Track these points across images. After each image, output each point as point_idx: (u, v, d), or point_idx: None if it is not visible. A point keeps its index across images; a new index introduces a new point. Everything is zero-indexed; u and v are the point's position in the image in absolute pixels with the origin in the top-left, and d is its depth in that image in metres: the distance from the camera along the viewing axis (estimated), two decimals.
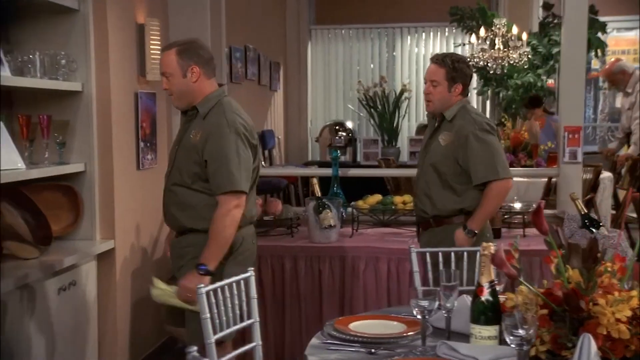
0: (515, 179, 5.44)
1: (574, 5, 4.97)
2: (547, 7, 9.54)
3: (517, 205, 4.74)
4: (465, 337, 2.30)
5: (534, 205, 4.62)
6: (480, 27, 8.61)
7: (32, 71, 3.56)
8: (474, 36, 8.48)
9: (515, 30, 8.10)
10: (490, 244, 2.22)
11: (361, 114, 10.42)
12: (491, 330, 2.19)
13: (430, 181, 3.67)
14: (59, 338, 3.46)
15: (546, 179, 6.01)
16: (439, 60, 3.67)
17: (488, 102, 10.64)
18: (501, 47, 8.11)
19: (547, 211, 4.76)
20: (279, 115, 9.99)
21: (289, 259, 4.31)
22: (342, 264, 4.31)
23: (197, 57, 3.26)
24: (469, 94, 3.77)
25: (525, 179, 5.95)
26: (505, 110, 9.57)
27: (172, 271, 3.48)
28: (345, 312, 4.20)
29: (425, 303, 2.32)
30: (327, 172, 4.85)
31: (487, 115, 10.65)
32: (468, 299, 2.41)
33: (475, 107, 10.91)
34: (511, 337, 1.97)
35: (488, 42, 8.23)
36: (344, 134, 9.56)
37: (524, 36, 8.26)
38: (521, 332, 1.95)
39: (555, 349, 2.05)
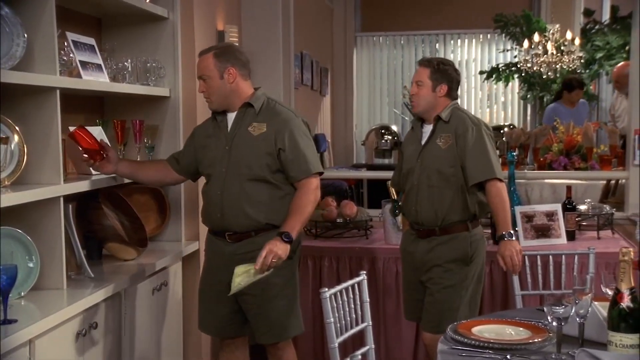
0: (572, 181, 5.55)
1: None
2: (588, 13, 9.64)
3: (583, 207, 4.77)
4: (591, 343, 2.28)
5: (606, 208, 4.69)
6: (524, 34, 8.61)
7: (126, 77, 3.66)
8: (526, 42, 8.52)
9: (569, 35, 8.14)
10: (630, 249, 2.14)
11: (406, 118, 10.52)
12: (634, 339, 2.12)
13: (441, 186, 3.59)
14: (152, 336, 3.55)
15: (604, 182, 6.02)
16: (425, 61, 3.68)
17: (529, 107, 10.67)
18: (554, 52, 8.14)
19: (618, 214, 4.80)
20: (327, 120, 10.11)
21: (367, 260, 4.36)
22: None
23: (234, 59, 3.32)
24: (458, 99, 3.75)
25: (584, 182, 5.97)
26: None
27: (223, 282, 3.31)
28: None
29: (561, 310, 2.25)
30: None
31: (529, 118, 10.73)
32: (594, 304, 2.36)
33: (517, 111, 11.04)
34: None
35: (541, 48, 8.25)
36: (390, 137, 9.69)
37: (577, 41, 8.29)
38: None
39: None
